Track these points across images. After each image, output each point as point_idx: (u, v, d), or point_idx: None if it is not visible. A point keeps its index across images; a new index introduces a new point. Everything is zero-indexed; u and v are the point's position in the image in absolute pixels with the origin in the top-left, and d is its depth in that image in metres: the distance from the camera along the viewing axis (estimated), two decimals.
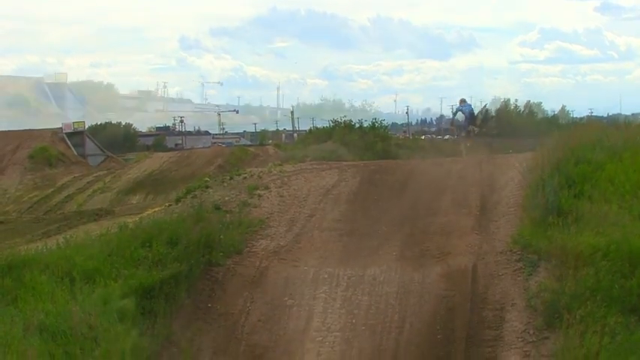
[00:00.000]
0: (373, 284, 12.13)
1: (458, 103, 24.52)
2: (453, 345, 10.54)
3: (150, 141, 37.36)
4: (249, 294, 12.36)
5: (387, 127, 37.90)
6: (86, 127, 48.50)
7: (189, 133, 42.03)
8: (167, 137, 38.11)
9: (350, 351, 10.81)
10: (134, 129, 39.41)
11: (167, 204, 16.49)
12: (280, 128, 49.94)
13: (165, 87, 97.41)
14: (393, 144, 19.99)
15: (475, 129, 23.29)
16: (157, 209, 16.12)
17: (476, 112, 24.09)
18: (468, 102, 24.48)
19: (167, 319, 11.27)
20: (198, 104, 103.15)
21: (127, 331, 10.09)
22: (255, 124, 64.47)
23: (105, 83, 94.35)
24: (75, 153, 34.28)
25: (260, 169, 16.74)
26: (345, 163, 17.57)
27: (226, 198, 15.65)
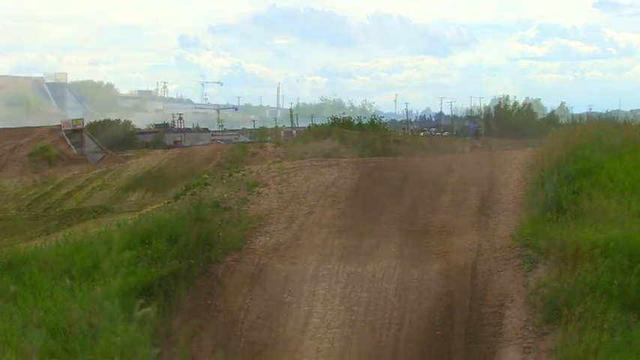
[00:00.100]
0: (372, 281, 12.13)
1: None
2: (453, 341, 10.55)
3: (149, 138, 37.38)
4: (249, 291, 12.35)
5: (385, 124, 37.91)
6: (85, 124, 48.80)
7: (189, 130, 41.99)
8: (166, 134, 38.01)
9: (349, 347, 10.82)
10: (133, 126, 39.36)
11: (166, 201, 16.48)
12: (279, 125, 49.96)
13: (165, 87, 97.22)
14: (392, 140, 19.97)
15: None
16: (155, 206, 16.09)
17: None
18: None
19: (166, 316, 11.28)
20: (198, 104, 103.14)
21: (127, 328, 10.10)
22: (254, 120, 64.56)
23: (105, 83, 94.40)
24: (74, 150, 34.29)
25: (259, 167, 16.75)
26: (344, 160, 17.56)
27: (225, 195, 15.63)
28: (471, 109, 59.91)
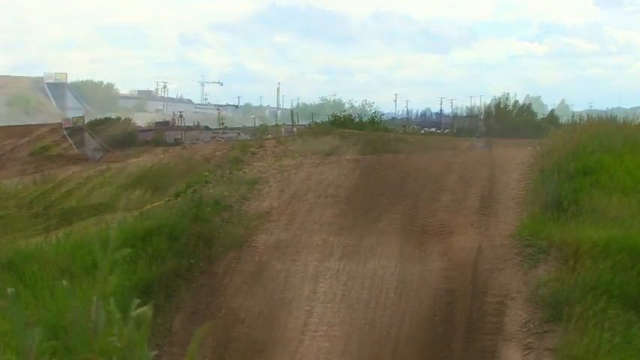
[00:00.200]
0: (373, 279, 12.04)
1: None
2: (452, 331, 10.46)
3: (149, 136, 37.37)
4: (249, 289, 12.25)
5: (386, 122, 37.86)
6: (84, 123, 49.10)
7: (189, 128, 42.01)
8: (166, 132, 37.98)
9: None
10: (134, 124, 39.36)
11: (167, 199, 16.47)
12: (280, 122, 50.21)
13: (165, 87, 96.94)
14: (392, 139, 19.98)
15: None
16: (156, 204, 16.04)
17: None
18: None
19: (167, 314, 11.21)
20: (198, 104, 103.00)
21: (123, 328, 10.03)
22: (254, 117, 64.66)
23: (105, 83, 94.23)
24: (75, 149, 34.27)
25: (260, 164, 16.69)
26: (345, 158, 17.50)
27: (226, 193, 15.55)
28: (471, 108, 59.86)
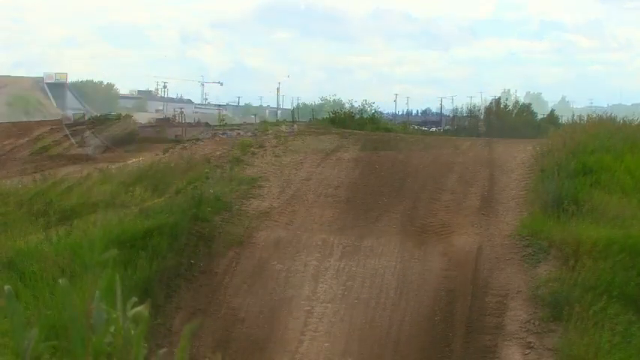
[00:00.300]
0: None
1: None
2: (453, 331, 10.45)
3: (150, 133, 37.57)
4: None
5: (386, 122, 37.89)
6: (85, 118, 49.57)
7: (190, 124, 42.15)
8: (167, 129, 38.01)
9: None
10: (134, 121, 39.40)
11: (167, 196, 16.43)
12: (280, 119, 50.32)
13: (165, 87, 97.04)
14: (392, 139, 20.01)
15: None
16: (156, 201, 15.94)
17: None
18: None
19: (167, 314, 11.15)
20: (198, 104, 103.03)
21: (120, 327, 9.96)
22: (254, 115, 64.84)
23: (105, 83, 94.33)
24: (75, 146, 34.35)
25: (260, 164, 16.69)
26: (345, 157, 17.46)
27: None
28: (471, 108, 59.86)
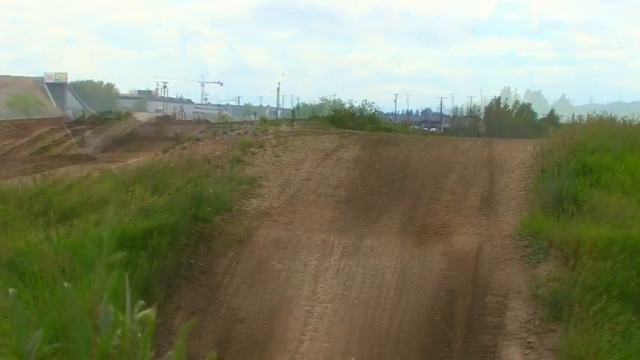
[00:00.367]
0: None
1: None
2: (453, 331, 10.44)
3: (149, 131, 37.73)
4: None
5: (387, 122, 37.96)
6: (85, 116, 50.40)
7: (189, 122, 42.31)
8: (167, 127, 38.12)
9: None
10: (134, 118, 39.54)
11: (168, 193, 16.35)
12: (280, 117, 50.54)
13: (165, 87, 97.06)
14: (392, 139, 20.03)
15: None
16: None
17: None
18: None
19: (167, 314, 11.14)
20: (198, 104, 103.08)
21: (126, 329, 9.94)
22: (255, 113, 65.05)
23: (105, 83, 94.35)
24: (75, 145, 34.47)
25: (260, 164, 16.69)
26: (345, 157, 17.46)
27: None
28: (471, 108, 59.91)
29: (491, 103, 55.28)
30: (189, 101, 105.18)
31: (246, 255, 12.06)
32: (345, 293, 11.17)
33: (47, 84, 54.61)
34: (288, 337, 10.60)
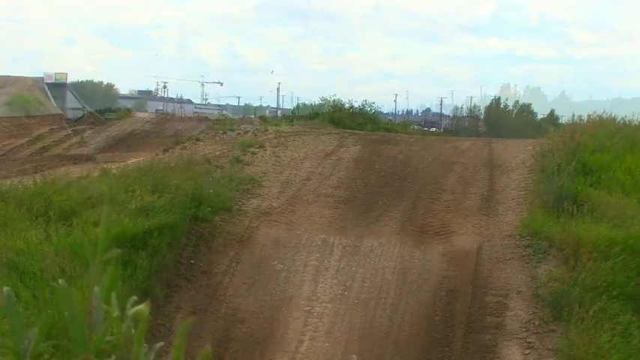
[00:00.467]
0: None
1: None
2: (453, 331, 10.44)
3: (148, 127, 38.12)
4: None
5: (387, 122, 38.05)
6: (85, 112, 50.54)
7: (190, 119, 42.65)
8: (167, 124, 38.45)
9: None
10: (134, 119, 39.72)
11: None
12: (280, 117, 50.78)
13: (165, 87, 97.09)
14: (392, 138, 20.03)
15: None
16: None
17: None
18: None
19: (167, 314, 11.14)
20: (198, 104, 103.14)
21: (120, 326, 9.93)
22: (255, 111, 65.30)
23: (105, 83, 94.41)
24: (75, 143, 34.64)
25: (260, 164, 16.70)
26: (345, 157, 17.47)
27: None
28: (471, 108, 59.94)
29: (491, 102, 55.31)
30: (189, 101, 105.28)
31: (246, 255, 12.06)
32: (345, 293, 11.17)
33: (47, 84, 54.49)
34: (288, 337, 10.58)
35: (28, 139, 37.78)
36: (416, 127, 47.41)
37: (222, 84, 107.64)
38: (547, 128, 31.05)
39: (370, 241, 12.81)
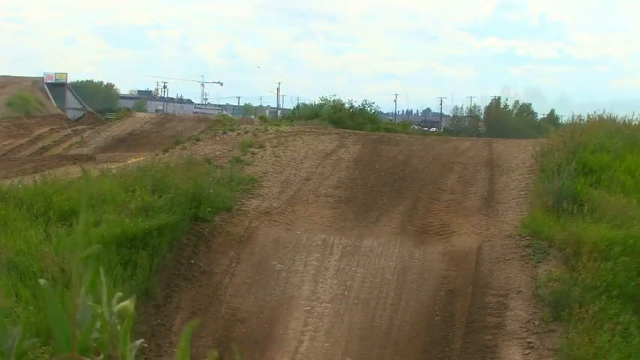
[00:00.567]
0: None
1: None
2: (453, 331, 10.43)
3: (148, 127, 38.16)
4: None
5: (387, 122, 38.10)
6: (85, 110, 50.68)
7: (190, 119, 42.92)
8: (168, 123, 38.68)
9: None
10: (135, 119, 39.82)
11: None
12: (280, 117, 50.84)
13: (165, 87, 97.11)
14: (392, 138, 20.02)
15: None
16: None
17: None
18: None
19: (167, 314, 11.14)
20: (198, 104, 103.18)
21: (106, 323, 9.90)
22: (255, 111, 65.45)
23: (105, 83, 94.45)
24: (76, 144, 34.64)
25: (260, 164, 16.71)
26: (345, 157, 17.48)
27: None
28: (471, 108, 59.98)
29: (491, 102, 55.29)
30: (189, 101, 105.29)
31: (246, 255, 12.06)
32: (345, 293, 11.17)
33: (47, 84, 54.50)
34: (288, 337, 10.59)
35: (28, 139, 37.74)
36: (416, 127, 47.44)
37: (222, 84, 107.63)
38: (547, 128, 31.05)
39: (370, 241, 12.81)
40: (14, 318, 8.81)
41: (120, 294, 1.32)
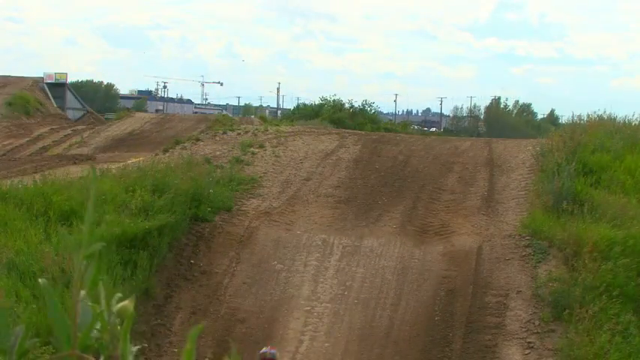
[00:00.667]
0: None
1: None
2: (453, 331, 10.43)
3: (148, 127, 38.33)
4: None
5: (387, 122, 38.12)
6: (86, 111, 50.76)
7: (189, 119, 43.16)
8: (167, 124, 38.81)
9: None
10: (135, 119, 39.88)
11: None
12: (280, 117, 50.91)
13: (165, 87, 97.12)
14: (392, 138, 20.02)
15: None
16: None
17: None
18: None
19: (167, 314, 11.15)
20: (198, 104, 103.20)
21: (105, 322, 9.92)
22: (255, 111, 65.59)
23: (105, 83, 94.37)
24: (75, 145, 34.71)
25: (260, 164, 16.71)
26: (345, 157, 17.48)
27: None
28: (471, 108, 60.01)
29: (491, 102, 55.26)
30: (189, 101, 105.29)
31: (246, 255, 12.07)
32: (345, 293, 11.17)
33: (47, 84, 54.44)
34: (288, 337, 10.59)
35: (28, 139, 37.72)
36: (416, 127, 47.44)
37: (222, 84, 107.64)
38: (547, 128, 31.05)
39: (370, 241, 12.82)
40: (14, 318, 8.80)
41: (119, 295, 1.32)
